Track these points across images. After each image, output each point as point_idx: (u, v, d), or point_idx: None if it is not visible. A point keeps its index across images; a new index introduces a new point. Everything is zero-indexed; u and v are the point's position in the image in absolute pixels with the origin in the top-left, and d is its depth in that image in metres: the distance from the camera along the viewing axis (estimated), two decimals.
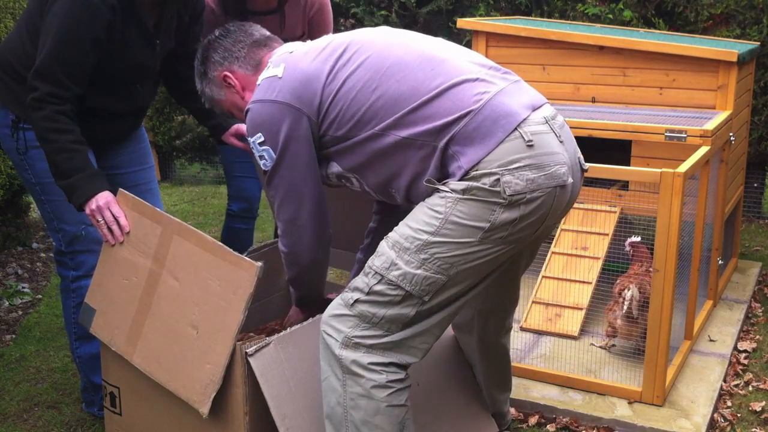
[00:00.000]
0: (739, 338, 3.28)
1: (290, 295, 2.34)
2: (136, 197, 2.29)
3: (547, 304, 3.28)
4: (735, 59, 3.30)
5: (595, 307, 3.25)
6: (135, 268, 2.24)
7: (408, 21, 5.67)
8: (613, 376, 2.84)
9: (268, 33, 2.21)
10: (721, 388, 2.86)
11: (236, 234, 3.19)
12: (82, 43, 2.26)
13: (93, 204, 2.27)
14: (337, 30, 6.21)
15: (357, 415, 1.90)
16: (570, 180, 1.90)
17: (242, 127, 2.61)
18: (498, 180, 1.81)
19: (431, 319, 1.91)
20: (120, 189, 2.33)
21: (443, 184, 1.86)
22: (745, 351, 3.18)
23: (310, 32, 3.02)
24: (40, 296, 3.83)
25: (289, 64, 2.00)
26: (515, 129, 1.84)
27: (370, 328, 1.89)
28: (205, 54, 2.20)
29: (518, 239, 1.89)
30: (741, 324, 3.39)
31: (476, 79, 1.91)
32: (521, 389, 2.80)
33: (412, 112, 1.88)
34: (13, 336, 3.38)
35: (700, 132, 2.97)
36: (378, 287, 1.88)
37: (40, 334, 3.39)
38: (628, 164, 3.28)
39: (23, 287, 3.90)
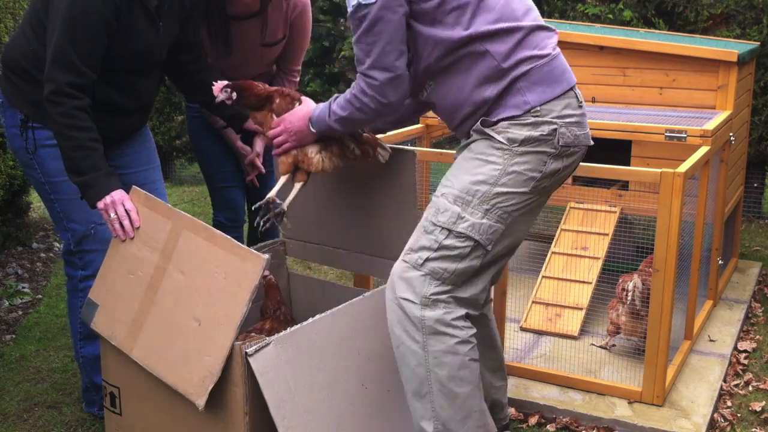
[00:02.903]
0: (739, 338, 3.28)
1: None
2: (149, 194, 2.31)
3: (547, 304, 3.28)
4: (735, 59, 3.30)
5: (595, 307, 3.25)
6: (141, 262, 2.25)
7: None
8: (613, 376, 2.84)
9: None
10: (721, 388, 2.86)
11: None
12: (91, 22, 2.27)
13: (107, 199, 2.29)
14: (337, 30, 6.19)
15: (442, 372, 1.99)
16: (591, 141, 2.12)
17: (248, 125, 2.65)
18: (555, 130, 1.99)
19: (489, 271, 2.06)
20: (133, 186, 2.35)
21: (498, 133, 1.99)
22: (745, 351, 3.18)
23: (290, 34, 3.00)
24: (40, 296, 3.83)
25: None
26: (571, 89, 2.04)
27: (441, 284, 1.99)
28: None
29: (551, 190, 2.09)
30: (741, 324, 3.39)
31: (553, 31, 2.08)
32: (521, 389, 2.80)
33: (509, 32, 1.98)
34: (13, 336, 3.38)
35: (700, 132, 2.97)
36: (447, 241, 1.98)
37: (40, 334, 3.39)
38: (628, 164, 3.28)
39: (23, 287, 3.90)
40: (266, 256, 1.99)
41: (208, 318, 2.06)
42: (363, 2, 1.98)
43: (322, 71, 6.05)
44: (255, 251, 2.02)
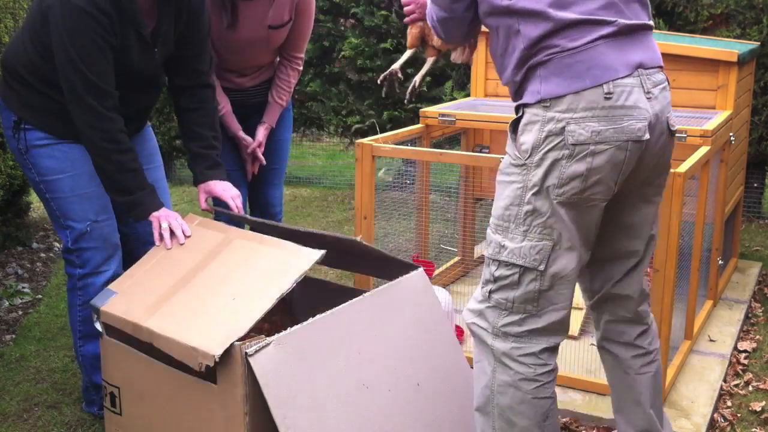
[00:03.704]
0: (739, 338, 3.28)
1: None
2: (206, 218, 2.44)
3: None
4: (735, 59, 3.30)
5: None
6: (180, 263, 2.32)
7: None
8: None
9: None
10: (721, 388, 2.86)
11: None
12: (98, 46, 2.31)
13: (156, 213, 2.45)
14: (337, 30, 6.21)
15: (503, 400, 2.01)
16: (646, 136, 1.91)
17: (215, 189, 2.64)
18: (563, 128, 1.86)
19: (561, 291, 1.97)
20: (189, 213, 2.49)
21: (514, 142, 1.94)
22: (745, 351, 3.18)
23: (295, 19, 3.01)
24: (40, 296, 3.83)
25: None
26: (601, 84, 1.87)
27: (510, 314, 1.98)
28: None
29: (596, 194, 1.91)
30: (741, 324, 3.39)
31: (606, 24, 1.90)
32: None
33: (541, 16, 1.89)
34: (13, 336, 3.38)
35: (700, 132, 2.97)
36: (498, 272, 1.98)
37: (40, 334, 3.39)
38: None
39: (23, 287, 3.90)
40: (322, 251, 2.06)
41: (245, 294, 2.11)
42: None
43: (322, 71, 6.05)
44: (309, 248, 2.11)
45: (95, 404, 2.68)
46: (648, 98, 1.93)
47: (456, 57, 2.42)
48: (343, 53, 5.83)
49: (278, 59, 3.15)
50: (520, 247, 1.93)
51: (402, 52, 5.70)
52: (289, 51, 3.10)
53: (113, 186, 2.45)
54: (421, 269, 2.47)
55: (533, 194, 1.91)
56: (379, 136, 3.20)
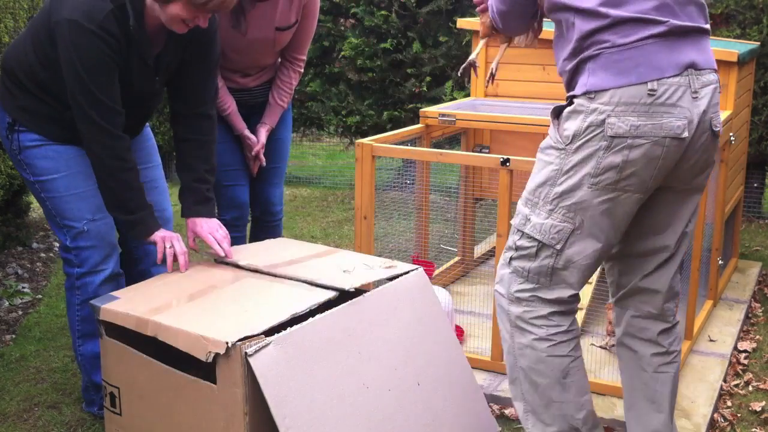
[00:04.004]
0: (739, 338, 3.28)
1: None
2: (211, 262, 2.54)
3: None
4: (735, 59, 3.29)
5: (595, 307, 3.25)
6: (190, 284, 2.36)
7: (408, 21, 5.67)
8: (613, 376, 2.83)
9: None
10: (721, 388, 2.86)
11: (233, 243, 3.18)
12: (106, 65, 2.33)
13: (161, 234, 2.51)
14: (337, 30, 6.21)
15: (524, 362, 2.14)
16: (685, 134, 1.96)
17: (201, 231, 2.61)
18: (604, 120, 1.93)
19: (573, 272, 2.07)
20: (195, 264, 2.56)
21: (556, 127, 2.02)
22: (745, 351, 3.18)
23: (301, 20, 3.01)
24: (40, 296, 3.83)
25: None
26: (647, 81, 1.93)
27: (524, 282, 2.11)
28: None
29: (630, 186, 1.98)
30: (741, 324, 3.39)
31: (660, 23, 1.95)
32: None
33: (594, 14, 1.96)
34: (13, 336, 3.38)
35: None
36: (520, 242, 2.10)
37: (40, 334, 3.39)
38: None
39: (23, 287, 3.90)
40: (336, 292, 2.20)
41: (255, 310, 2.13)
42: None
43: (322, 71, 6.05)
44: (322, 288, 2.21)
45: (95, 404, 2.68)
46: (694, 98, 1.98)
47: (520, 42, 2.50)
48: (343, 53, 5.83)
49: (279, 60, 3.15)
50: (542, 224, 2.04)
51: (402, 52, 5.71)
52: (291, 52, 3.10)
53: (116, 204, 2.47)
54: (421, 269, 2.47)
55: (566, 179, 2.00)
56: (380, 135, 3.21)
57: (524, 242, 2.09)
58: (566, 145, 1.99)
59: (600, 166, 1.96)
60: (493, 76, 2.67)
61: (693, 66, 1.97)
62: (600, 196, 1.99)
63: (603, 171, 1.97)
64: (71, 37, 2.29)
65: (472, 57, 2.72)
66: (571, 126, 1.98)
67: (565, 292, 2.10)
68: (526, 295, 2.11)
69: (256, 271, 2.40)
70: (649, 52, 1.95)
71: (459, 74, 2.73)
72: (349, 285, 2.23)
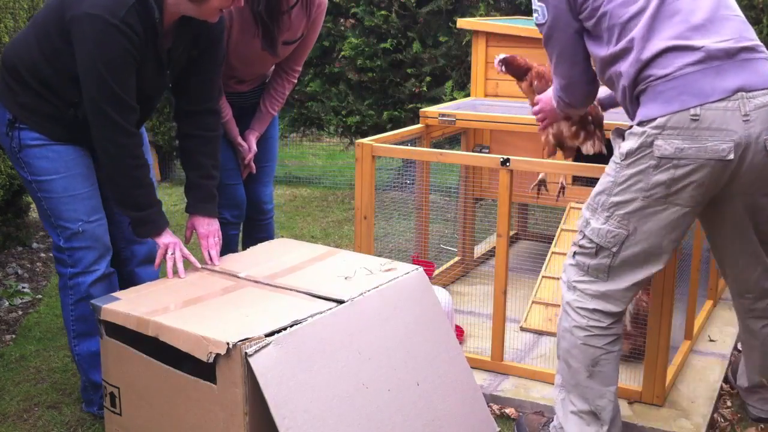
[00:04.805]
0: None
1: None
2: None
3: (547, 304, 3.28)
4: None
5: None
6: (190, 289, 2.35)
7: (408, 21, 5.67)
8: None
9: None
10: (721, 388, 2.86)
11: (229, 241, 3.19)
12: (125, 61, 2.32)
13: (167, 238, 2.50)
14: (337, 30, 6.20)
15: (563, 344, 2.38)
16: (731, 156, 2.10)
17: (199, 229, 2.63)
18: (652, 142, 2.13)
19: (626, 273, 2.26)
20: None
21: (617, 145, 2.24)
22: None
23: (306, 33, 3.03)
24: (40, 296, 3.83)
25: None
26: (690, 108, 2.09)
27: (584, 274, 2.32)
28: None
29: (678, 201, 2.16)
30: None
31: (700, 47, 2.12)
32: (521, 389, 2.80)
33: (644, 45, 2.17)
34: (13, 336, 3.38)
35: None
36: (581, 242, 2.31)
37: (40, 334, 3.39)
38: None
39: (23, 287, 3.90)
40: (337, 303, 2.19)
41: (257, 315, 2.13)
42: (537, 22, 2.39)
43: (322, 71, 6.05)
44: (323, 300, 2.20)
45: (94, 404, 2.68)
46: (745, 120, 2.10)
47: (589, 149, 2.81)
48: (343, 53, 5.83)
49: (273, 68, 3.16)
50: (599, 229, 2.25)
51: (402, 52, 5.71)
52: (289, 63, 3.12)
53: (125, 201, 2.46)
54: (421, 269, 2.47)
55: (620, 190, 2.20)
56: (380, 136, 3.21)
57: (585, 242, 2.29)
58: (621, 161, 2.19)
59: (650, 182, 2.15)
60: (564, 188, 3.08)
61: (742, 89, 2.10)
62: (651, 207, 2.18)
63: (653, 186, 2.15)
64: (92, 32, 2.27)
65: (542, 176, 3.02)
66: (626, 145, 2.19)
67: (617, 286, 2.28)
68: (582, 286, 2.32)
69: (256, 281, 2.40)
70: (692, 80, 2.11)
71: (530, 190, 3.07)
72: (348, 297, 2.23)
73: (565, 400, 2.41)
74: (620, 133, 2.28)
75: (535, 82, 2.89)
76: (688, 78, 2.12)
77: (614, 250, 2.24)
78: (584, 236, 2.30)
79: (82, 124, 2.44)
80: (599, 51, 2.29)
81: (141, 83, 2.43)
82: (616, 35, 2.22)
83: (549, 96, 2.67)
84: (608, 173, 2.25)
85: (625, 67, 2.20)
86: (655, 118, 2.12)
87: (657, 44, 2.14)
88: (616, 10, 2.21)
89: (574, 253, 2.34)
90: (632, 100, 2.23)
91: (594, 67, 2.41)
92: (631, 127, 2.22)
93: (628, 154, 2.18)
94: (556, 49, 2.39)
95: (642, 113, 2.17)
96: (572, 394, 2.38)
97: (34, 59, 2.44)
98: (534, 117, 2.81)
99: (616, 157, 2.23)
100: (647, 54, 2.15)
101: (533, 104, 2.81)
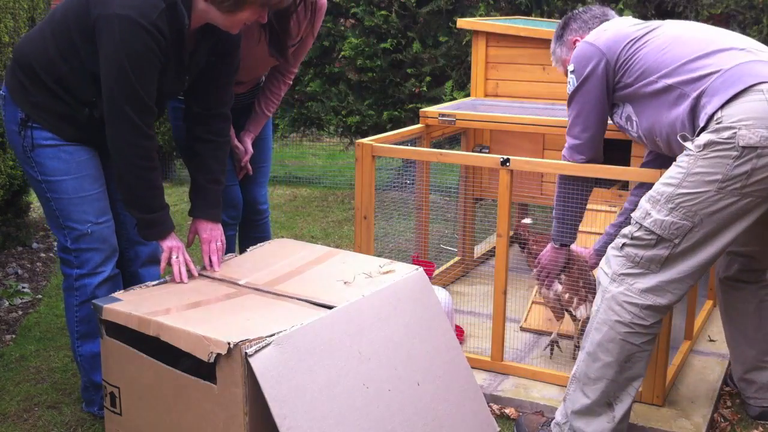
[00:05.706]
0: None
1: None
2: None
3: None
4: None
5: None
6: (192, 294, 2.34)
7: (408, 21, 5.67)
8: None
9: (612, 13, 2.73)
10: (721, 388, 2.86)
11: (226, 241, 3.19)
12: (150, 60, 2.32)
13: (171, 242, 2.50)
14: (337, 30, 6.19)
15: (596, 336, 2.34)
16: None
17: (201, 234, 2.63)
18: (735, 133, 2.14)
19: (684, 264, 2.26)
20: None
21: (690, 142, 2.22)
22: None
23: (304, 37, 3.03)
24: (40, 296, 3.83)
25: (614, 24, 2.59)
26: (755, 85, 2.16)
27: (634, 267, 2.29)
28: (566, 22, 2.76)
29: (755, 192, 2.18)
30: None
31: (742, 49, 2.29)
32: (521, 389, 2.81)
33: (682, 65, 2.33)
34: (13, 336, 3.38)
35: None
36: (637, 233, 2.28)
37: (40, 334, 3.39)
38: (628, 164, 3.28)
39: (23, 287, 3.90)
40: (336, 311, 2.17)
41: (257, 319, 2.12)
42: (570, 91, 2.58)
43: (322, 71, 6.05)
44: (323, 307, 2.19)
45: (95, 404, 2.68)
46: None
47: (582, 315, 2.88)
48: (343, 53, 5.83)
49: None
50: (663, 220, 2.23)
51: (402, 52, 5.71)
52: (286, 65, 3.11)
53: (136, 203, 2.46)
54: (421, 269, 2.47)
55: (692, 182, 2.19)
56: (380, 136, 3.21)
57: (641, 234, 2.27)
58: (697, 153, 2.18)
59: (731, 174, 2.15)
60: (557, 343, 3.03)
61: None
62: (724, 200, 2.18)
63: (731, 178, 2.15)
64: (121, 32, 2.26)
65: (553, 336, 2.99)
66: (704, 137, 2.18)
67: (670, 282, 2.26)
68: (632, 280, 2.29)
69: (256, 289, 2.40)
70: (749, 67, 2.21)
71: (547, 349, 3.03)
72: (347, 304, 2.22)
73: (576, 392, 2.39)
74: (684, 138, 2.28)
75: (534, 247, 3.00)
76: (744, 66, 2.22)
77: (676, 241, 2.23)
78: (641, 227, 2.27)
79: (95, 125, 2.43)
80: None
81: (160, 86, 2.42)
82: (656, 71, 2.38)
83: (548, 247, 2.85)
84: (678, 164, 2.24)
85: (679, 79, 2.32)
86: (724, 107, 2.16)
87: (712, 47, 2.30)
88: (649, 55, 2.41)
89: (623, 245, 2.31)
90: (694, 104, 2.27)
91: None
92: (703, 129, 2.23)
93: (707, 146, 2.17)
94: (575, 110, 2.57)
95: (709, 109, 2.20)
96: (589, 388, 2.36)
97: (49, 56, 2.42)
98: (534, 120, 2.83)
99: (690, 150, 2.21)
100: (706, 55, 2.30)
101: (532, 267, 2.97)
